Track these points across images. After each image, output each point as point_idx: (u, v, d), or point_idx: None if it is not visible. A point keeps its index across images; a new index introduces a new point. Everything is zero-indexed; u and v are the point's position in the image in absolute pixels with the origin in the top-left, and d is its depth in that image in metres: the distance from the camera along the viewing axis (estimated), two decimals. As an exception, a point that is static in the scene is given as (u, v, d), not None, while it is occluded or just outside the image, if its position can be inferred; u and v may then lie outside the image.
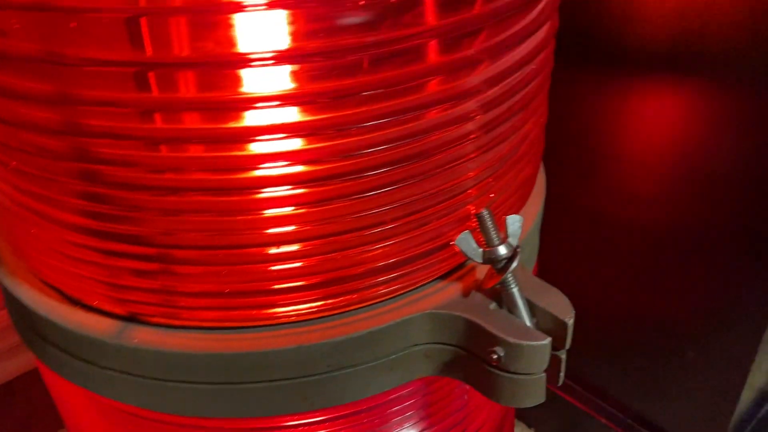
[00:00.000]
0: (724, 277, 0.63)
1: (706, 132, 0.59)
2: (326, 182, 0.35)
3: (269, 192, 0.35)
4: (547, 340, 0.37)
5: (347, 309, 0.39)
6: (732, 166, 0.58)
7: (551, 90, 0.49)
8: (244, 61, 0.31)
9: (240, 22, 0.30)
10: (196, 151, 0.34)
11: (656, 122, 0.62)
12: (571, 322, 0.38)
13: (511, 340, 0.37)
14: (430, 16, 0.33)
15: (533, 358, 0.37)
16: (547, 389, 0.39)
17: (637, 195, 0.66)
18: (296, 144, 0.34)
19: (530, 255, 0.48)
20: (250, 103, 0.32)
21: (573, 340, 0.39)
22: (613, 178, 0.67)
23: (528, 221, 0.46)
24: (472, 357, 0.39)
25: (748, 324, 0.62)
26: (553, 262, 0.77)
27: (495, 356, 0.37)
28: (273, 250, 0.36)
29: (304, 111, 0.33)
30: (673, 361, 0.71)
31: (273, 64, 0.31)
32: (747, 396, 0.75)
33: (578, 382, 0.77)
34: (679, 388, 0.71)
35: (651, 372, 0.73)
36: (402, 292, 0.40)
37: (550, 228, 0.76)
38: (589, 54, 0.63)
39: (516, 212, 0.46)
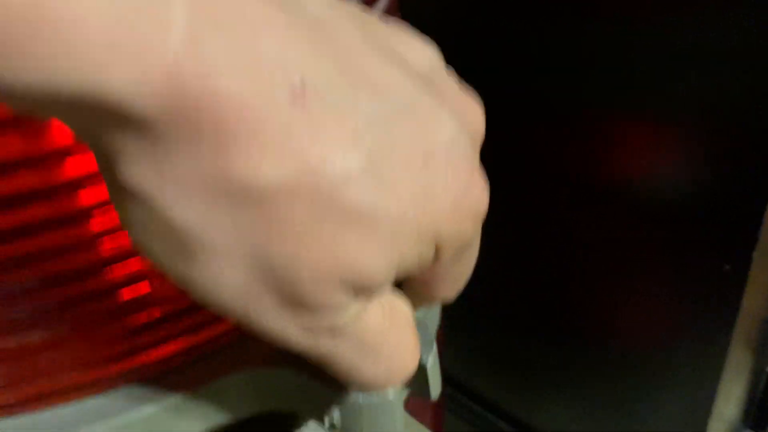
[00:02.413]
0: (681, 303, 0.55)
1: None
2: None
3: None
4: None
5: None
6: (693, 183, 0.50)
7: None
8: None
9: None
10: None
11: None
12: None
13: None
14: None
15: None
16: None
17: (592, 210, 0.59)
18: None
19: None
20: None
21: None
22: (576, 194, 0.60)
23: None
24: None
25: (710, 349, 0.54)
26: (505, 291, 0.69)
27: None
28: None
29: None
30: (633, 394, 0.62)
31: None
32: (718, 429, 0.67)
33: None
34: (642, 423, 0.63)
35: (614, 407, 0.65)
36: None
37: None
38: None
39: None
